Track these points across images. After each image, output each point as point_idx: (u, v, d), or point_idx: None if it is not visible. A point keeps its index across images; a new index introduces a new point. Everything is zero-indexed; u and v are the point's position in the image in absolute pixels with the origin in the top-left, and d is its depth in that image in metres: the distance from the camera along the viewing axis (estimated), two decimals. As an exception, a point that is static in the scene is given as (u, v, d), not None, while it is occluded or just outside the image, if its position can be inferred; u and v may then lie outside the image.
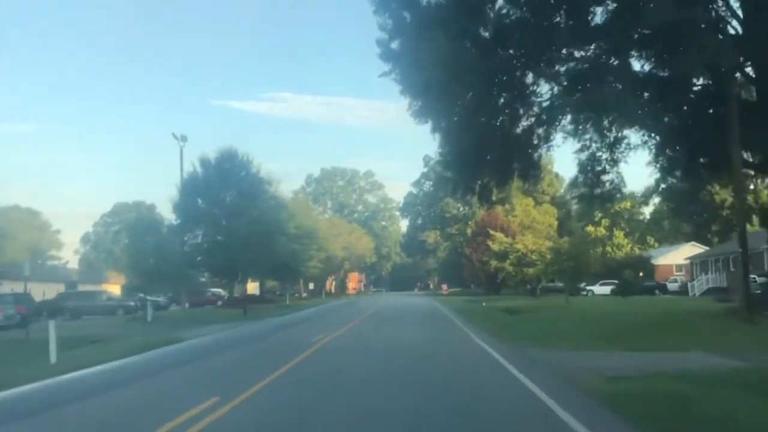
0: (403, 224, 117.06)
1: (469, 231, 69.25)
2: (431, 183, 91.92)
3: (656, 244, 79.27)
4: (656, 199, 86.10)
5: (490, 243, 54.05)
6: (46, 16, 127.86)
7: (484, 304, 45.59)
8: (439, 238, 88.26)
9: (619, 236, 76.37)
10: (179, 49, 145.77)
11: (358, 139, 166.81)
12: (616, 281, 56.05)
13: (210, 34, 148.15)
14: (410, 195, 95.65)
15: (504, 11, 17.51)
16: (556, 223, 68.59)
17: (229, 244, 41.25)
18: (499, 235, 55.06)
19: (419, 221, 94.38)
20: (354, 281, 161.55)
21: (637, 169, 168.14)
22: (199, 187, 41.24)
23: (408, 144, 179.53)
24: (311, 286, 75.12)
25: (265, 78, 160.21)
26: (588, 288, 57.13)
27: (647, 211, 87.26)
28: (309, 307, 43.14)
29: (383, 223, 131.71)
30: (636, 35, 15.64)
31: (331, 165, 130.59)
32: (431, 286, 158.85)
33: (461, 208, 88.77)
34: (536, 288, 52.87)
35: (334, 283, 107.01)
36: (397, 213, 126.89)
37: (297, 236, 55.01)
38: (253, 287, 69.82)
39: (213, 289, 62.29)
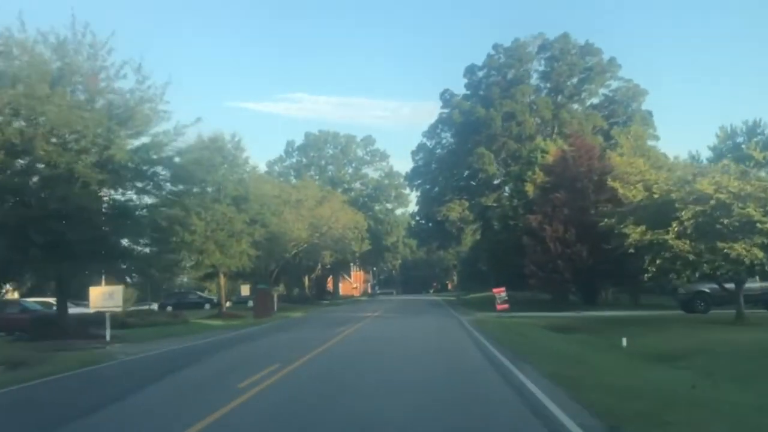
0: (412, 205, 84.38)
1: (529, 189, 37.54)
2: (454, 131, 60.12)
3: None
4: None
5: (615, 186, 22.34)
6: None
7: (624, 343, 15.04)
8: (466, 213, 56.33)
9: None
10: (191, 50, 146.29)
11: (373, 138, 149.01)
12: None
13: (222, 36, 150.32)
14: (422, 150, 63.54)
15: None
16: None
17: None
18: (639, 162, 23.37)
19: (436, 190, 62.47)
20: (359, 281, 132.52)
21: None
22: None
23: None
24: (245, 291, 44.00)
25: (279, 79, 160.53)
26: None
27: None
28: None
29: (388, 204, 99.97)
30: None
31: (318, 129, 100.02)
32: (450, 287, 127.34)
33: (500, 168, 56.80)
34: (737, 294, 21.35)
35: (313, 282, 75.89)
36: (406, 191, 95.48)
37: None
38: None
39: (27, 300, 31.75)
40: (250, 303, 47.70)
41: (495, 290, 24.06)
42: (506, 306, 24.11)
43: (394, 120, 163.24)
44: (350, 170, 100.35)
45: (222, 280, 38.19)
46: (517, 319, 24.13)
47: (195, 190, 36.99)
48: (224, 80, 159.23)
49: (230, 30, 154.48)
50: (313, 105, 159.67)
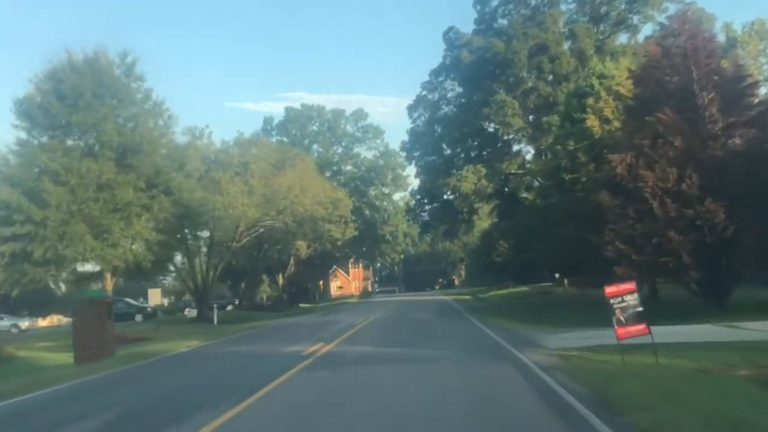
0: (412, 187, 69.19)
1: (594, 125, 23.39)
2: (462, 78, 45.80)
3: None
4: None
5: None
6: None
7: None
8: (483, 182, 42.05)
9: None
10: (190, 51, 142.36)
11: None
12: None
13: (220, 36, 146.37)
14: (422, 104, 48.82)
15: None
16: None
17: None
18: None
19: (441, 161, 48.24)
20: (358, 279, 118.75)
21: None
22: None
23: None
24: (154, 297, 29.80)
25: (279, 78, 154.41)
26: None
27: None
28: None
29: (384, 188, 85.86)
30: None
31: (301, 102, 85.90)
32: (456, 282, 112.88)
33: (527, 123, 42.63)
34: None
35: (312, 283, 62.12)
36: (405, 173, 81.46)
37: None
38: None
39: None
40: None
41: (609, 291, 9.58)
42: (643, 328, 9.64)
43: (395, 116, 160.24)
44: (339, 150, 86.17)
45: (108, 282, 24.07)
46: (665, 358, 9.79)
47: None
48: (223, 80, 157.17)
49: (228, 29, 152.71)
50: (314, 103, 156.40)
